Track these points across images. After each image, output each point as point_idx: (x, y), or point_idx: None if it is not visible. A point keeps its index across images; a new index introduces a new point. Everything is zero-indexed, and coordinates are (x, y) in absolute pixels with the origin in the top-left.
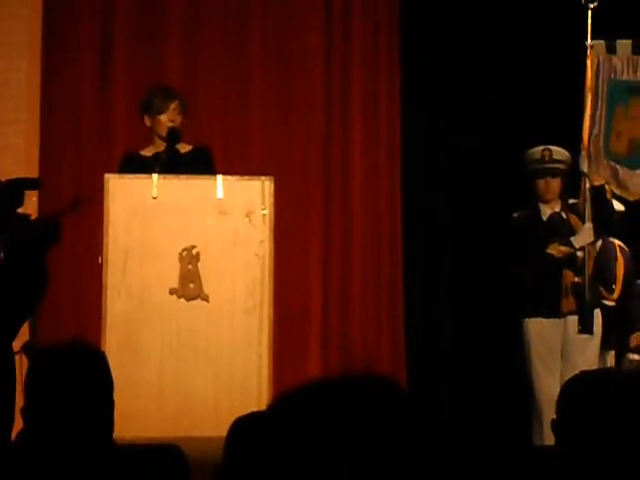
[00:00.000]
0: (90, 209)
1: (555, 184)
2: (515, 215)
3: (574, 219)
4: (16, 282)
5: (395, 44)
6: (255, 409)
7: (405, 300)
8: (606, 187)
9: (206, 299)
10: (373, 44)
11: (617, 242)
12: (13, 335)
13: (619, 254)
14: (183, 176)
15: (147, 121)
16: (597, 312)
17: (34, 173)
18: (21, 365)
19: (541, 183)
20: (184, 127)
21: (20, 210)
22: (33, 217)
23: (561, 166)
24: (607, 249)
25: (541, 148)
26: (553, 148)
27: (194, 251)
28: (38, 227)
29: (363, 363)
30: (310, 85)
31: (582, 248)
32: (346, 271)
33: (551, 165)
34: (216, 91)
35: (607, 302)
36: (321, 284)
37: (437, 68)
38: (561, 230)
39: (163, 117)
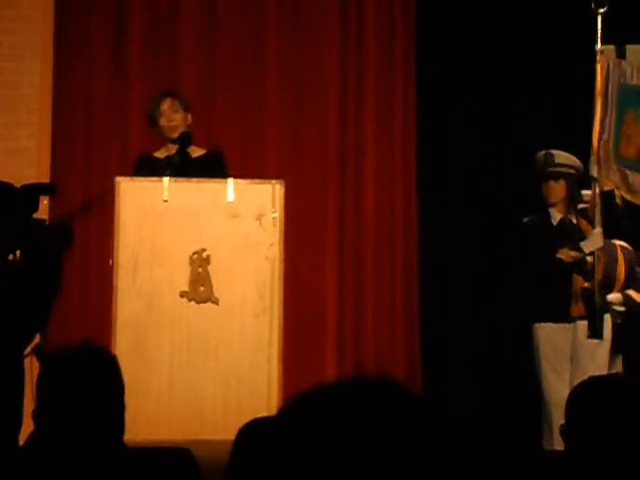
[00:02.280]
0: (101, 212)
1: (557, 187)
2: (525, 220)
3: (584, 224)
4: (33, 288)
5: (410, 46)
6: (264, 413)
7: (420, 304)
8: (616, 192)
9: (216, 302)
10: (388, 46)
11: (618, 242)
12: (28, 339)
13: (619, 254)
14: (194, 179)
15: (156, 132)
16: (607, 317)
17: (45, 176)
18: (32, 368)
19: (544, 187)
20: (199, 131)
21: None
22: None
23: (564, 169)
24: (606, 252)
25: (543, 152)
26: (555, 152)
27: (204, 254)
28: (52, 232)
29: (377, 366)
30: (324, 89)
31: (592, 253)
32: (360, 275)
33: (552, 169)
34: (230, 94)
35: (617, 308)
36: (335, 287)
37: (450, 71)
38: (571, 235)
39: (161, 120)
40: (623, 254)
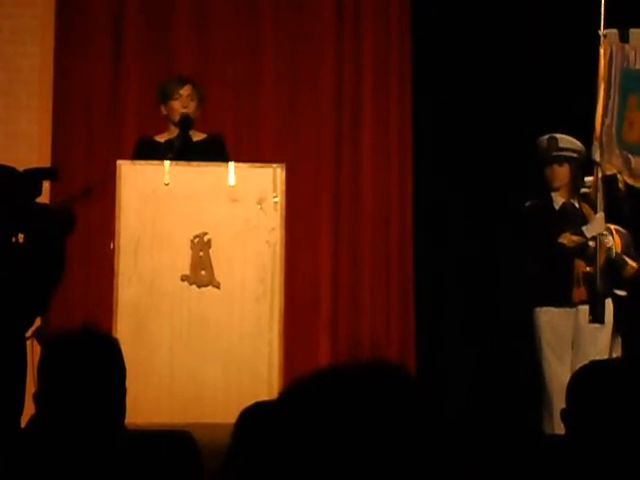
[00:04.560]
0: (102, 195)
1: (562, 172)
2: (527, 204)
3: (586, 208)
4: (34, 272)
5: (407, 31)
6: (265, 396)
7: (415, 288)
8: (618, 176)
9: (217, 286)
10: (385, 30)
11: (613, 226)
12: (29, 322)
13: (616, 237)
14: (195, 163)
15: (163, 110)
16: (608, 302)
17: (46, 159)
18: (33, 351)
19: (548, 171)
20: (197, 115)
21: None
22: (48, 205)
23: (568, 154)
24: None
25: (547, 137)
26: (559, 136)
27: (205, 238)
28: (54, 216)
29: (372, 351)
30: (321, 72)
31: (594, 238)
32: (356, 258)
33: (557, 153)
34: (227, 79)
35: (618, 292)
36: (331, 271)
37: (449, 56)
38: (573, 219)
39: (175, 103)
40: (619, 236)
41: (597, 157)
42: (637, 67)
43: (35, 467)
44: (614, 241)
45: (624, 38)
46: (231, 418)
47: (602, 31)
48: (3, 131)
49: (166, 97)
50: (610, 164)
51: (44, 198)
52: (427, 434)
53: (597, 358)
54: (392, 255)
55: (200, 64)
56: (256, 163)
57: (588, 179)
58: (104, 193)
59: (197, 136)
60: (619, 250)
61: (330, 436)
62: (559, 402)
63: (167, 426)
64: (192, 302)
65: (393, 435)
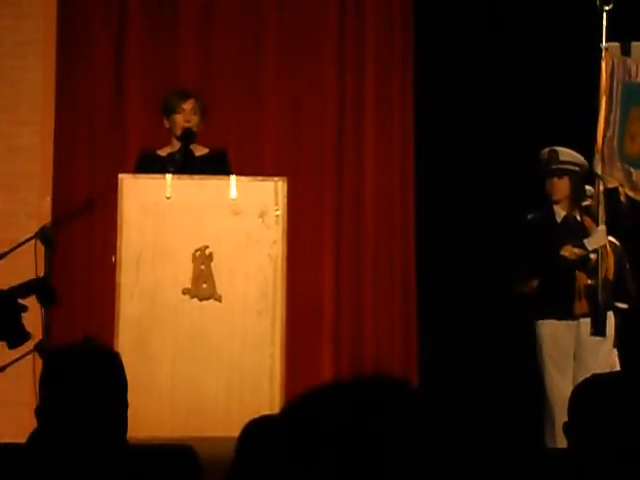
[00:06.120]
0: (104, 209)
1: (562, 185)
2: (529, 217)
3: (588, 221)
4: None
5: (409, 44)
6: (267, 410)
7: (418, 300)
8: (620, 189)
9: (219, 299)
10: (387, 45)
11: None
12: None
13: (609, 249)
14: (197, 176)
15: (166, 123)
16: (610, 314)
17: (48, 173)
18: (34, 365)
19: (548, 184)
20: (200, 128)
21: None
22: (47, 221)
23: (568, 167)
24: None
25: (548, 149)
26: (559, 149)
27: (207, 251)
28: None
29: (375, 364)
30: (323, 86)
31: (595, 250)
32: (358, 271)
33: (557, 166)
34: (229, 92)
35: (620, 305)
36: (333, 284)
37: (451, 70)
38: (575, 232)
39: (178, 117)
40: (612, 248)
41: (599, 170)
42: (639, 80)
43: None
44: (608, 257)
45: (626, 51)
46: (233, 431)
47: (604, 44)
48: (5, 145)
49: (169, 111)
50: (612, 177)
51: (45, 215)
52: (432, 447)
53: (599, 371)
54: (395, 267)
55: (202, 78)
56: (258, 176)
57: (590, 188)
58: (106, 206)
59: (200, 150)
60: (612, 263)
61: (334, 450)
62: (561, 415)
63: (169, 439)
64: (194, 315)
65: (397, 449)
